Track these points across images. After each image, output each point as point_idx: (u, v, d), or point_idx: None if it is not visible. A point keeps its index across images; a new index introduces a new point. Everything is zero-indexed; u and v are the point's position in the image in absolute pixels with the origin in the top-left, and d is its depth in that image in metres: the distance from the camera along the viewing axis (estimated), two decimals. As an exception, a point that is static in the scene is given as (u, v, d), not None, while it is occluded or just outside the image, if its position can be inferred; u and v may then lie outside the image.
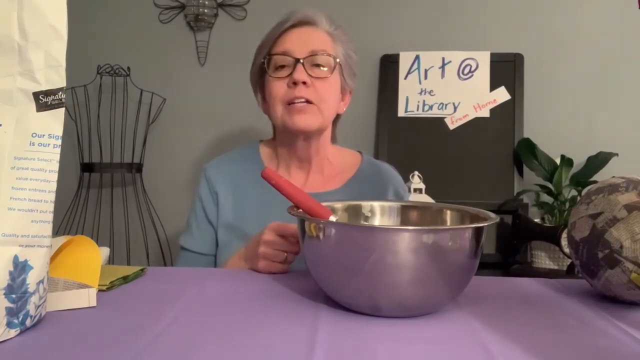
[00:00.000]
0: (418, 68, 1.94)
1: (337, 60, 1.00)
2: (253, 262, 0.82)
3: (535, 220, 1.78)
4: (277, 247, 0.79)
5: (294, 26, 1.00)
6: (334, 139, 1.13)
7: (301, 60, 0.96)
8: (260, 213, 1.01)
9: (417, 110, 1.93)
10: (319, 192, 1.03)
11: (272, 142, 1.12)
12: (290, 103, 0.97)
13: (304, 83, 0.95)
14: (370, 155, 1.19)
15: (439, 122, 1.91)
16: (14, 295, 0.49)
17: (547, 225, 1.75)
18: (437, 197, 1.72)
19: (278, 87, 0.98)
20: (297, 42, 0.98)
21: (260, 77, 1.06)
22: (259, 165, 1.07)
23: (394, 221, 0.78)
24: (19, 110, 0.50)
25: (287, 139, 1.04)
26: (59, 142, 0.52)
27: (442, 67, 1.93)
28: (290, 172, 1.07)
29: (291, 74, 0.96)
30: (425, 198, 1.73)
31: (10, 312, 0.49)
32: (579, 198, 1.65)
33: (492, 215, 0.65)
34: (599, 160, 1.79)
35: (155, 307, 0.61)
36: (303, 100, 0.96)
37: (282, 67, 0.98)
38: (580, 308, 0.65)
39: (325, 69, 0.99)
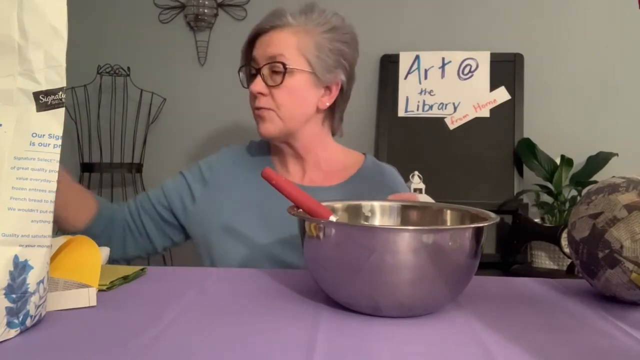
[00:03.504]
0: (418, 68, 1.94)
1: (287, 66, 0.97)
2: None
3: (535, 220, 1.78)
4: None
5: (259, 34, 1.01)
6: (335, 133, 1.11)
7: (261, 71, 0.99)
8: (261, 207, 1.02)
9: (417, 110, 1.93)
10: (320, 185, 1.04)
11: None
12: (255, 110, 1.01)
13: (261, 93, 0.98)
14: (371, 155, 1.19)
15: (439, 122, 1.91)
16: (14, 295, 0.49)
17: (547, 225, 1.75)
18: (437, 197, 1.71)
19: (249, 97, 1.02)
20: (260, 50, 1.00)
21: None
22: (262, 159, 1.10)
23: (394, 221, 0.78)
24: (19, 110, 0.50)
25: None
26: (59, 142, 0.52)
27: (442, 67, 1.93)
28: (288, 167, 1.07)
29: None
30: (425, 198, 1.73)
31: (11, 312, 0.49)
32: (579, 198, 1.65)
33: (492, 215, 0.65)
34: (599, 160, 1.79)
35: (155, 307, 0.61)
36: (263, 109, 0.99)
37: (254, 75, 1.01)
38: (580, 308, 0.65)
39: (279, 75, 0.98)
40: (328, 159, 1.08)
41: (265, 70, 0.99)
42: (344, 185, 1.05)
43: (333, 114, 1.07)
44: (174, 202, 1.06)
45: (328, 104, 1.04)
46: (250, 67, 1.03)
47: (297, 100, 1.01)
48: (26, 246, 0.50)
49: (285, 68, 0.97)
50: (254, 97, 1.00)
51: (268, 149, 1.11)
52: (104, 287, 0.67)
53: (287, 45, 0.99)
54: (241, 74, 1.07)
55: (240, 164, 1.08)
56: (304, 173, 1.07)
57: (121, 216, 1.05)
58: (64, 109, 0.52)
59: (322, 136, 1.07)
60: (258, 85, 0.98)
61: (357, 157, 1.13)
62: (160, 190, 1.08)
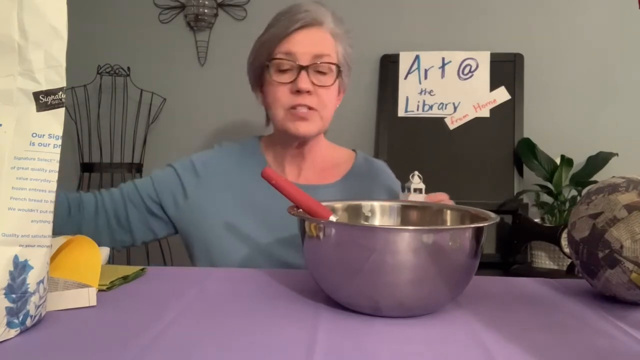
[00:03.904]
0: (418, 68, 1.94)
1: (339, 66, 1.00)
2: None
3: (535, 220, 1.78)
4: None
5: (299, 28, 0.98)
6: (326, 131, 1.12)
7: (306, 68, 0.96)
8: (260, 206, 1.01)
9: (417, 110, 1.93)
10: (316, 184, 1.04)
11: (269, 136, 1.12)
12: (292, 108, 0.97)
13: (308, 92, 0.96)
14: (370, 155, 1.20)
15: (439, 122, 1.91)
16: (14, 295, 0.49)
17: (547, 225, 1.75)
18: (437, 197, 1.71)
19: (281, 93, 0.97)
20: (301, 46, 0.97)
21: (260, 74, 1.04)
22: (257, 158, 1.08)
23: (394, 221, 0.78)
24: (19, 110, 0.50)
25: (283, 139, 1.04)
26: (59, 142, 0.52)
27: (442, 67, 1.93)
28: (285, 166, 1.07)
29: (294, 80, 0.96)
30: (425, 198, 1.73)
31: (11, 312, 0.49)
32: (579, 198, 1.65)
33: (492, 215, 0.65)
34: (599, 160, 1.79)
35: (155, 307, 0.61)
36: (306, 107, 0.96)
37: (286, 70, 0.97)
38: (580, 308, 0.65)
39: (329, 76, 0.98)
40: (322, 157, 1.08)
41: (311, 69, 0.97)
42: (340, 183, 1.05)
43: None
44: (164, 196, 1.02)
45: (337, 105, 1.07)
46: (282, 62, 0.97)
47: (334, 102, 1.03)
48: (26, 246, 0.50)
49: (339, 69, 0.99)
50: (293, 94, 0.96)
51: (260, 147, 1.10)
52: (104, 287, 0.67)
53: (330, 45, 0.99)
54: (254, 65, 1.03)
55: (235, 162, 1.07)
56: (300, 172, 1.07)
57: (91, 208, 0.99)
58: (64, 109, 0.52)
59: (321, 135, 1.09)
60: (307, 82, 0.95)
61: (348, 153, 1.13)
62: (150, 183, 1.03)
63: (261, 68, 1.03)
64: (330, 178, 1.06)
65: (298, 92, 0.95)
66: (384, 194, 1.06)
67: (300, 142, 1.03)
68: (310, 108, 0.97)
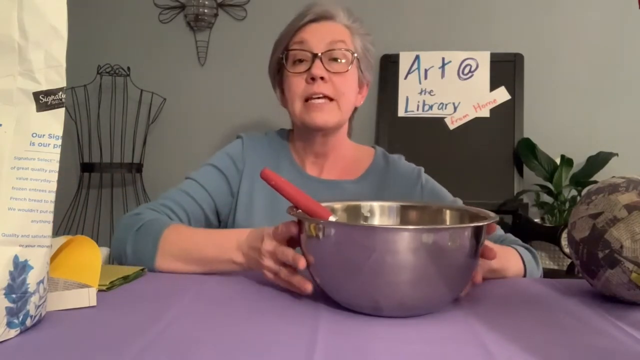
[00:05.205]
0: (418, 68, 1.94)
1: (355, 54, 1.00)
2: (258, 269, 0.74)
3: (535, 220, 1.78)
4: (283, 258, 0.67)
5: (312, 21, 1.00)
6: (349, 132, 1.12)
7: (319, 55, 0.96)
8: (272, 204, 1.00)
9: (417, 110, 1.93)
10: (339, 179, 1.04)
11: (292, 133, 1.12)
12: (308, 99, 0.97)
13: (322, 78, 0.96)
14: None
15: (439, 122, 1.91)
16: (14, 295, 0.49)
17: (547, 225, 1.75)
18: (437, 197, 1.71)
19: (297, 83, 0.98)
20: (314, 36, 0.98)
21: (278, 72, 1.06)
22: (284, 151, 1.08)
23: (393, 221, 0.78)
24: (19, 110, 0.50)
25: (304, 135, 1.04)
26: (59, 142, 0.52)
27: (442, 67, 1.93)
28: (306, 162, 1.07)
29: (309, 69, 0.97)
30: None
31: (11, 312, 0.49)
32: (579, 198, 1.65)
33: (492, 214, 0.65)
34: (599, 160, 1.79)
35: (155, 307, 0.61)
36: (321, 96, 0.96)
37: (300, 61, 0.99)
38: (580, 308, 0.65)
39: (343, 62, 0.98)
40: (344, 156, 1.08)
41: (325, 56, 0.97)
42: (362, 179, 1.05)
43: (353, 113, 1.09)
44: (220, 201, 1.01)
45: (361, 102, 1.06)
46: (296, 52, 0.99)
47: (353, 92, 1.02)
48: (26, 246, 0.50)
49: (353, 55, 0.99)
50: (309, 83, 0.97)
51: (287, 140, 1.10)
52: (104, 287, 0.67)
53: (344, 34, 1.00)
54: (271, 62, 1.04)
55: (265, 155, 1.06)
56: (322, 169, 1.07)
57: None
58: (64, 109, 0.52)
59: (345, 134, 1.09)
60: (320, 69, 0.96)
61: (367, 150, 1.13)
62: (204, 192, 1.00)
63: (278, 64, 1.04)
64: (353, 174, 1.06)
65: (313, 79, 0.96)
66: (401, 187, 1.05)
67: (323, 138, 1.02)
68: (326, 97, 0.96)
